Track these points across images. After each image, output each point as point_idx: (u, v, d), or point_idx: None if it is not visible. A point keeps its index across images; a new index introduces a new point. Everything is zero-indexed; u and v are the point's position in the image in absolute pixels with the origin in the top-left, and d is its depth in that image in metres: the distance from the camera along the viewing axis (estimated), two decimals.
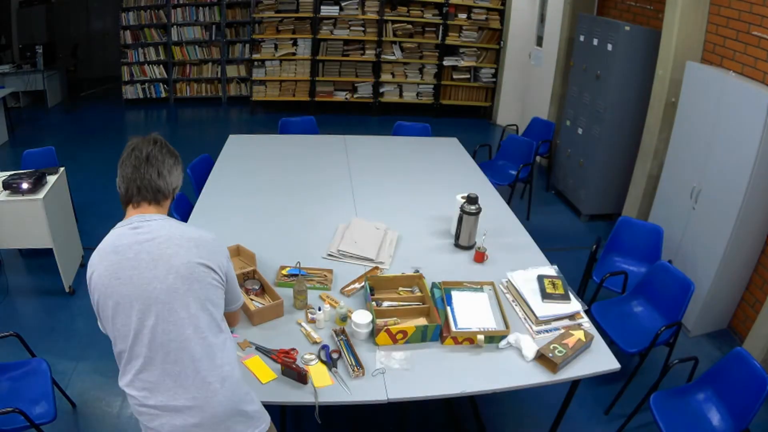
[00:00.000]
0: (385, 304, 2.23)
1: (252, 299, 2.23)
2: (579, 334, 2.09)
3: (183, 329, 1.45)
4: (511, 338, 2.08)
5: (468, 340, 2.08)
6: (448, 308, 2.17)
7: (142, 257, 1.45)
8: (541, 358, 2.02)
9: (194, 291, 1.47)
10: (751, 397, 2.16)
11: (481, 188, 3.23)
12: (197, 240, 1.52)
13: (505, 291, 2.40)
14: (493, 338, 2.09)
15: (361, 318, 2.08)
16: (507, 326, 2.12)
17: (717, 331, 3.63)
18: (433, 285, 2.35)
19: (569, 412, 2.28)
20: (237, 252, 2.54)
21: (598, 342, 2.14)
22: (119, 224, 1.54)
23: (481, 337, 2.06)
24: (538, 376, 1.97)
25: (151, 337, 1.43)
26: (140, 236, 1.48)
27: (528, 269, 2.44)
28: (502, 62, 7.47)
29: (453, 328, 2.08)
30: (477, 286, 2.34)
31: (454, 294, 2.26)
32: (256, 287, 2.28)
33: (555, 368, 1.95)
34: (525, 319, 2.24)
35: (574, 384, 2.15)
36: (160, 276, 1.44)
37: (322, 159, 3.88)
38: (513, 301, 2.34)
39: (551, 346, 2.02)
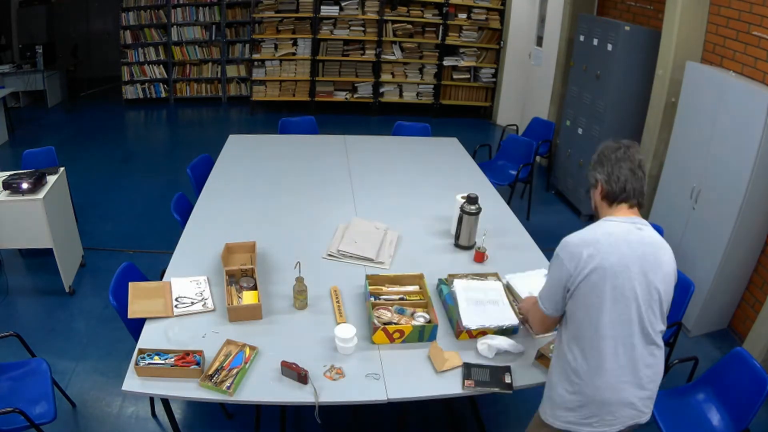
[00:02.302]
0: (383, 297, 2.24)
1: (239, 296, 2.24)
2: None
3: (659, 326, 1.66)
4: (482, 348, 2.05)
5: (482, 333, 2.09)
6: (458, 303, 2.17)
7: (649, 260, 1.60)
8: (541, 357, 2.02)
9: (667, 301, 1.67)
10: (751, 397, 2.15)
11: (481, 188, 3.23)
12: (672, 253, 1.68)
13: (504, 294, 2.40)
14: (505, 331, 2.10)
15: (345, 332, 1.99)
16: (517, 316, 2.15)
17: (717, 331, 3.63)
18: (440, 281, 2.36)
19: None
20: (252, 248, 2.57)
21: None
22: (620, 219, 1.65)
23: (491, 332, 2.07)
24: (539, 376, 1.97)
25: (639, 331, 1.62)
26: (645, 238, 1.63)
27: (527, 273, 2.44)
28: (502, 62, 7.47)
29: (463, 324, 2.08)
30: (482, 278, 2.36)
31: (459, 287, 2.27)
32: (250, 284, 2.29)
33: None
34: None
35: None
36: (658, 280, 1.61)
37: (322, 159, 3.88)
38: (514, 302, 2.34)
39: (551, 346, 2.02)
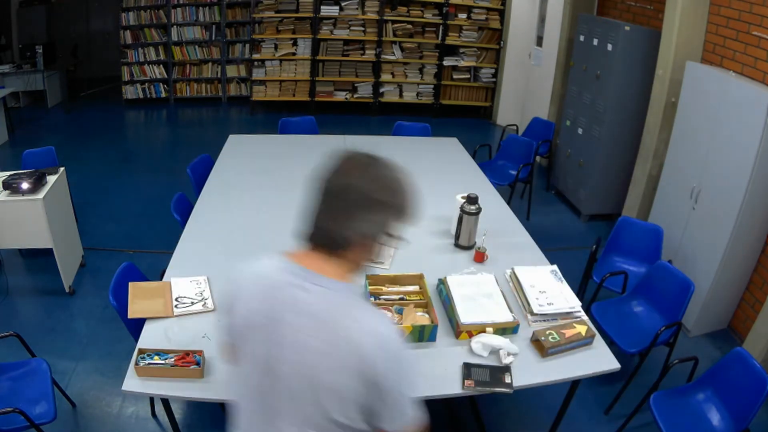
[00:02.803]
0: (383, 297, 2.24)
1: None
2: (581, 328, 2.10)
3: None
4: (476, 347, 2.05)
5: (482, 332, 2.10)
6: (454, 302, 2.18)
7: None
8: (535, 341, 2.03)
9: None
10: (751, 397, 2.16)
11: (481, 188, 3.23)
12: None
13: (508, 281, 2.45)
14: (506, 330, 2.11)
15: None
16: (511, 311, 2.17)
17: (717, 331, 3.63)
18: (440, 281, 2.36)
19: (569, 412, 2.28)
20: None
21: (598, 342, 2.14)
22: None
23: (489, 330, 2.06)
24: (539, 376, 1.97)
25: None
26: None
27: (535, 267, 2.49)
28: (502, 62, 7.47)
29: (461, 322, 2.08)
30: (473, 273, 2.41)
31: (453, 283, 2.28)
32: None
33: (544, 352, 1.98)
34: (522, 307, 2.28)
35: (574, 384, 2.15)
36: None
37: (322, 159, 3.88)
38: (513, 290, 2.37)
39: (547, 332, 2.05)
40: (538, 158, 5.89)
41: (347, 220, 1.16)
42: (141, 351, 1.92)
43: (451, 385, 1.90)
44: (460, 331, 2.09)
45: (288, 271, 1.20)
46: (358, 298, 1.22)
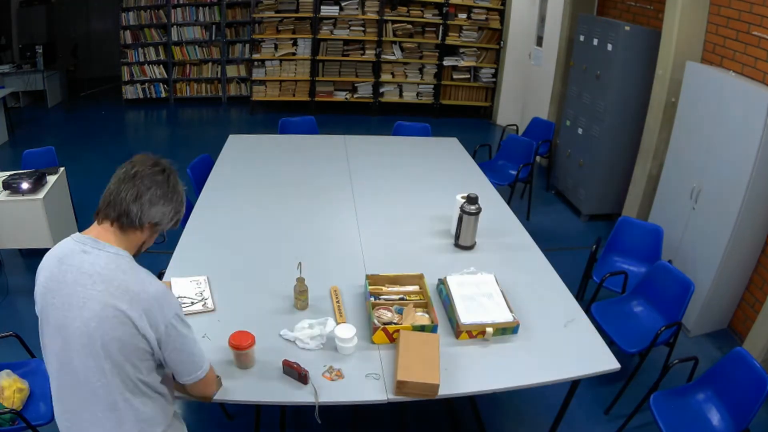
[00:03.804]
0: (383, 297, 2.24)
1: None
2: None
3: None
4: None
5: (482, 333, 2.09)
6: (454, 302, 2.17)
7: (67, 290, 1.34)
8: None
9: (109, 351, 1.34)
10: (751, 397, 2.16)
11: (481, 188, 3.23)
12: (130, 293, 1.34)
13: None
14: (506, 330, 2.11)
15: (345, 332, 1.98)
16: (511, 311, 2.16)
17: (717, 331, 3.63)
18: (440, 281, 2.36)
19: (569, 412, 2.28)
20: None
21: (599, 342, 2.14)
22: (75, 236, 1.42)
23: (489, 330, 2.07)
24: (539, 376, 1.96)
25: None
26: (83, 263, 1.36)
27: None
28: (502, 62, 7.47)
29: (461, 322, 2.08)
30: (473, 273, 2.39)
31: (453, 282, 2.27)
32: None
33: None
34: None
35: (574, 384, 2.15)
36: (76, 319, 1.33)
37: (322, 159, 3.88)
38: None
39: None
40: (538, 158, 5.89)
41: (150, 206, 1.42)
42: None
43: (451, 385, 1.90)
44: (460, 331, 2.09)
45: (78, 242, 1.39)
46: (136, 264, 1.42)
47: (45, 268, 1.41)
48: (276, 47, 7.47)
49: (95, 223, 1.44)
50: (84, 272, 1.34)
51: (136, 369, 1.40)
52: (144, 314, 1.35)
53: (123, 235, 1.42)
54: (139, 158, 1.47)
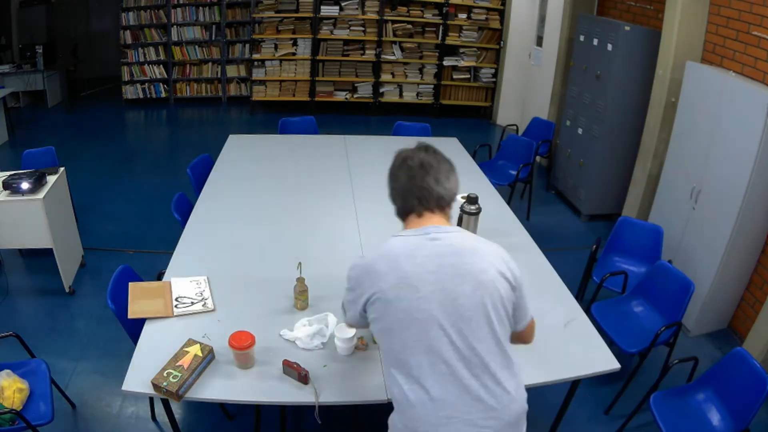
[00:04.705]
0: None
1: None
2: (194, 349, 1.94)
3: (488, 344, 1.43)
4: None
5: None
6: None
7: (446, 271, 1.43)
8: (157, 389, 1.80)
9: (497, 308, 1.44)
10: (751, 397, 2.16)
11: (481, 188, 3.23)
12: (498, 253, 1.51)
13: None
14: None
15: (345, 332, 1.98)
16: None
17: (717, 331, 3.63)
18: None
19: (569, 412, 2.28)
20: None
21: (599, 342, 2.14)
22: (408, 233, 1.50)
23: None
24: (539, 376, 1.96)
25: (453, 352, 1.41)
26: (441, 248, 1.46)
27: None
28: (502, 62, 7.47)
29: None
30: None
31: None
32: None
33: (176, 397, 1.78)
34: None
35: (574, 384, 2.15)
36: (467, 292, 1.42)
37: (322, 159, 3.88)
38: None
39: (165, 373, 1.82)
40: (538, 158, 5.89)
41: (447, 181, 1.54)
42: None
43: None
44: None
45: (424, 234, 1.50)
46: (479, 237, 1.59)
47: (391, 270, 1.46)
48: (276, 47, 7.47)
49: (413, 217, 1.53)
50: (447, 255, 1.46)
51: (509, 321, 1.53)
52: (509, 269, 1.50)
53: (445, 216, 1.56)
54: (406, 152, 1.55)
